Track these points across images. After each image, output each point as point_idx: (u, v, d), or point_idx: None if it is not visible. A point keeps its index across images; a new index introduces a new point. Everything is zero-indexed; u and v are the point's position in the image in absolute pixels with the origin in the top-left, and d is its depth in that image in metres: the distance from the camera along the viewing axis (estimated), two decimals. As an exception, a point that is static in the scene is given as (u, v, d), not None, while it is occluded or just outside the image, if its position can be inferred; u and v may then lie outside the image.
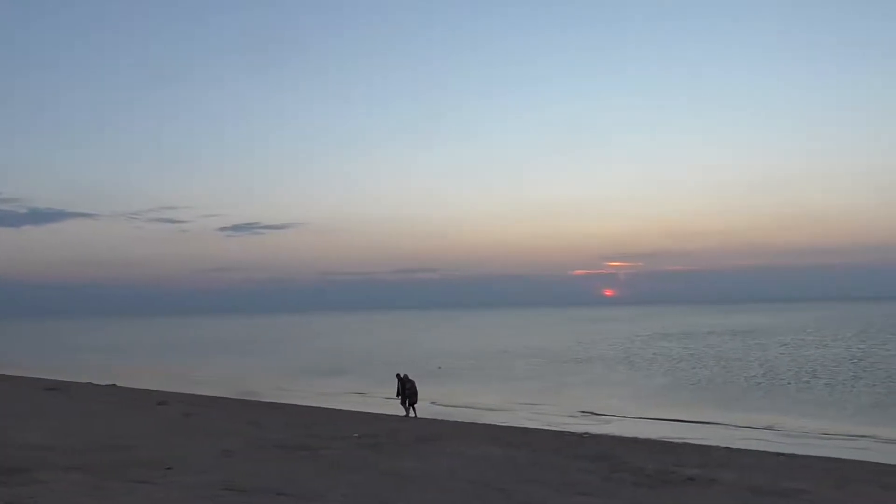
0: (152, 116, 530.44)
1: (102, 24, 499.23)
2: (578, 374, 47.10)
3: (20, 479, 13.35)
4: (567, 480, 14.42)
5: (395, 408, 28.74)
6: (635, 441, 21.41)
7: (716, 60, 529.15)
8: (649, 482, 14.40)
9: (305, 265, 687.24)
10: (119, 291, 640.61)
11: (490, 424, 25.78)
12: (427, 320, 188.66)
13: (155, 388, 38.38)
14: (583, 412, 30.81)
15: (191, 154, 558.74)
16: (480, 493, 13.05)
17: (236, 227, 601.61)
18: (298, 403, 32.36)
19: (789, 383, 38.91)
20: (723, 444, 21.34)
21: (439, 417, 28.24)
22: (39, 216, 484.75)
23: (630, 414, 30.14)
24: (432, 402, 32.27)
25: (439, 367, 51.56)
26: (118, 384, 40.44)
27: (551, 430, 24.38)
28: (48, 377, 44.95)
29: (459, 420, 27.65)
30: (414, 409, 28.23)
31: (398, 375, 28.98)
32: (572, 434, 23.33)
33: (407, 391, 28.28)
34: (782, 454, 19.11)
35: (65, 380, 42.91)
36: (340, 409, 30.41)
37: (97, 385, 40.03)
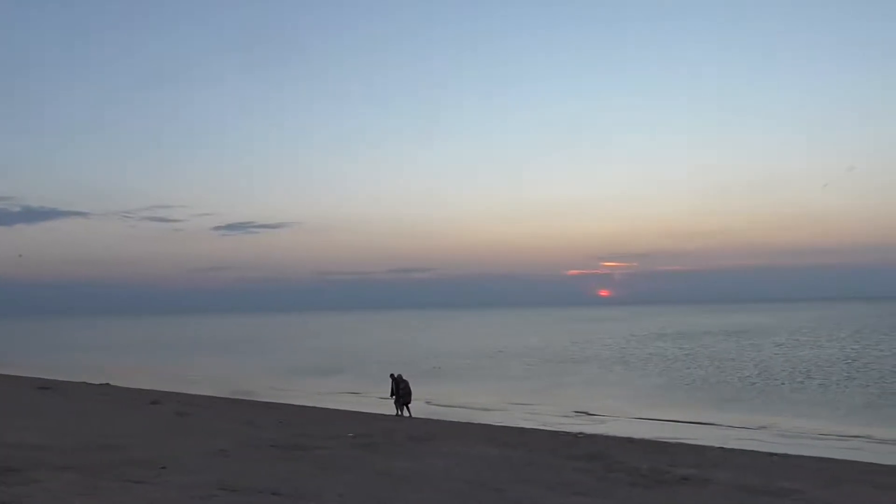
0: (146, 115, 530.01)
1: (97, 23, 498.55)
2: (574, 374, 47.18)
3: (14, 478, 13.30)
4: (562, 480, 14.43)
5: (390, 408, 28.75)
6: (630, 441, 21.44)
7: (712, 60, 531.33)
8: (644, 482, 14.43)
9: (300, 265, 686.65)
10: (113, 290, 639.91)
11: (485, 424, 25.80)
12: (422, 320, 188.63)
13: (149, 388, 38.32)
14: (578, 412, 30.85)
15: (185, 153, 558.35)
16: (476, 493, 13.05)
17: (231, 227, 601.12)
18: (293, 403, 32.34)
19: (783, 384, 39.02)
20: (717, 444, 21.40)
21: (434, 417, 28.27)
22: (33, 214, 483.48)
23: (625, 414, 30.19)
24: (427, 402, 32.29)
25: (436, 368, 51.57)
26: (112, 383, 40.34)
27: (546, 430, 24.41)
28: (42, 376, 44.82)
29: (454, 420, 27.67)
30: (408, 408, 28.23)
31: (392, 376, 29.02)
32: (567, 434, 23.36)
33: (401, 391, 28.29)
34: (776, 454, 19.16)
35: (58, 379, 42.81)
36: (335, 409, 30.43)
37: (91, 384, 39.94)
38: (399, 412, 28.17)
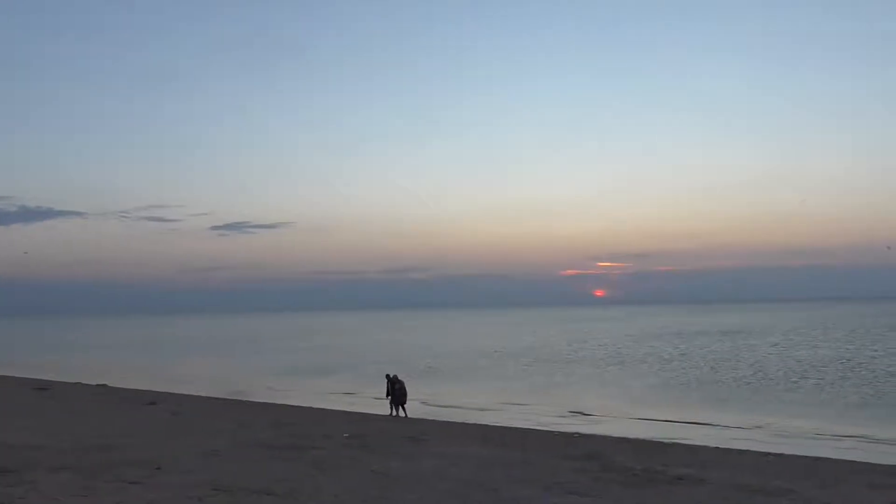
0: (143, 115, 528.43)
1: (92, 23, 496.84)
2: (568, 374, 47.22)
3: (9, 479, 13.30)
4: (557, 480, 14.46)
5: (386, 408, 28.73)
6: (625, 441, 21.48)
7: (707, 62, 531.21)
8: (638, 482, 14.46)
9: (296, 264, 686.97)
10: (109, 290, 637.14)
11: (481, 424, 25.81)
12: (417, 320, 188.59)
13: (144, 388, 38.24)
14: (573, 412, 30.88)
15: (181, 153, 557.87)
16: (471, 493, 13.07)
17: (227, 226, 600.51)
18: (287, 403, 32.32)
19: (778, 384, 39.12)
20: (712, 444, 21.46)
21: (429, 417, 28.25)
22: (30, 214, 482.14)
23: (620, 414, 30.23)
24: (422, 402, 32.29)
25: (430, 367, 51.60)
26: (108, 384, 40.27)
27: (541, 430, 24.43)
28: (37, 377, 44.74)
29: (449, 420, 27.67)
30: (404, 408, 28.23)
31: (388, 376, 29.02)
32: (562, 434, 23.40)
33: (396, 391, 28.29)
34: (771, 454, 19.21)
35: (54, 379, 42.75)
36: (329, 409, 30.41)
37: (86, 385, 39.87)
38: (395, 412, 28.17)
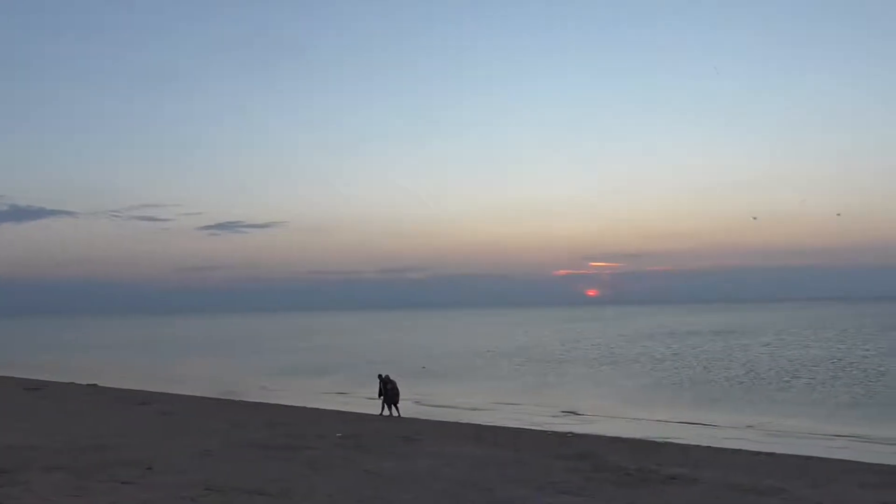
0: (135, 114, 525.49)
1: (92, 23, 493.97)
2: (561, 374, 47.30)
3: (2, 479, 13.28)
4: (550, 480, 14.50)
5: (378, 408, 28.73)
6: (618, 440, 21.53)
7: (702, 63, 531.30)
8: (631, 481, 14.51)
9: (289, 264, 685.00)
10: (100, 290, 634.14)
11: (474, 424, 25.81)
12: (411, 320, 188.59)
13: (136, 388, 38.13)
14: (566, 412, 30.93)
15: (174, 152, 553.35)
16: (464, 493, 13.11)
17: (220, 226, 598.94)
18: (280, 403, 32.28)
19: (770, 383, 39.26)
20: (704, 444, 21.51)
21: (422, 417, 28.26)
22: (21, 213, 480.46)
23: (613, 413, 30.29)
24: (416, 402, 32.30)
25: (423, 367, 51.59)
26: (99, 384, 40.15)
27: (534, 430, 24.45)
28: (29, 377, 44.57)
29: (442, 419, 27.66)
30: (397, 408, 28.23)
31: (380, 376, 29.02)
32: (555, 433, 23.43)
33: (388, 391, 28.29)
34: (763, 453, 19.29)
35: (46, 379, 42.59)
36: (323, 409, 30.38)
37: (79, 385, 39.75)
38: (388, 412, 28.16)
